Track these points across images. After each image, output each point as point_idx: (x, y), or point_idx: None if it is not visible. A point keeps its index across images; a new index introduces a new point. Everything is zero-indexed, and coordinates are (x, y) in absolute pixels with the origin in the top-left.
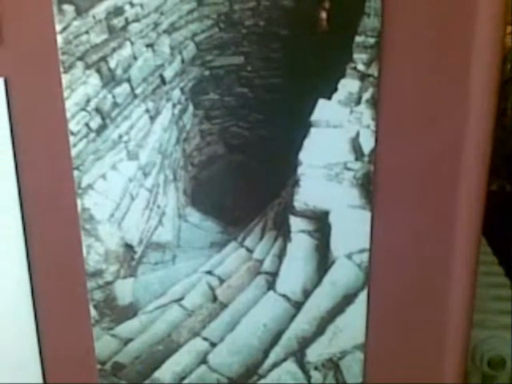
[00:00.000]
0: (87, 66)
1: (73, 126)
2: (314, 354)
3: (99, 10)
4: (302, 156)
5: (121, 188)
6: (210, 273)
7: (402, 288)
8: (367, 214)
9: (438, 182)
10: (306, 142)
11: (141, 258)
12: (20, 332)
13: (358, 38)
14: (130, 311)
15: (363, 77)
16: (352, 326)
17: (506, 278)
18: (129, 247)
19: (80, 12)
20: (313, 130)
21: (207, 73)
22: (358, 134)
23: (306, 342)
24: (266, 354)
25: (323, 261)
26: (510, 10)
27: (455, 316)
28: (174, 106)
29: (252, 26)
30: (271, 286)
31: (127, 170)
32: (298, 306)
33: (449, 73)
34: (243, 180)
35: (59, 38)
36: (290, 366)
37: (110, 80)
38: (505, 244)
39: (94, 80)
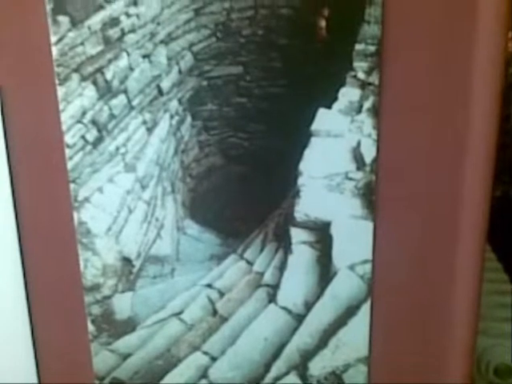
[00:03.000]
0: (83, 78)
1: (69, 138)
2: (317, 367)
3: (95, 21)
4: (303, 166)
5: (118, 201)
6: (209, 286)
7: (406, 299)
8: (369, 225)
9: (440, 191)
10: (307, 152)
11: (139, 271)
12: (17, 347)
13: (358, 46)
14: (129, 326)
15: (364, 85)
16: (355, 338)
17: (510, 285)
18: (127, 261)
19: (75, 23)
20: (313, 140)
21: (205, 83)
22: (359, 144)
23: (308, 356)
24: (267, 367)
25: (325, 272)
26: None
27: (460, 327)
28: (171, 117)
29: (250, 36)
30: (272, 298)
31: (124, 183)
32: (299, 318)
33: (450, 80)
34: (242, 191)
35: (54, 50)
36: (293, 379)
37: (106, 92)
38: (509, 250)
39: (90, 92)
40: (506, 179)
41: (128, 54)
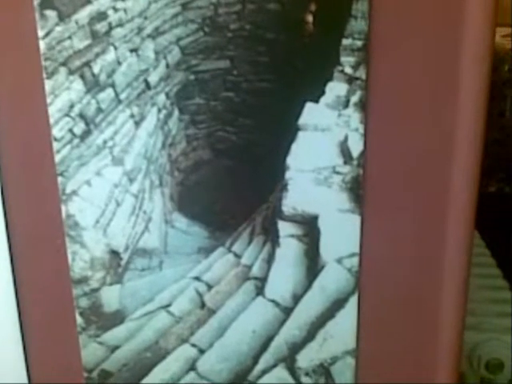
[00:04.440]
0: (70, 72)
1: (56, 131)
2: (305, 359)
3: (82, 15)
4: (290, 160)
5: (106, 194)
6: (197, 279)
7: (393, 292)
8: (357, 218)
9: (428, 185)
10: (294, 146)
11: (127, 264)
12: (4, 340)
13: (345, 41)
14: (117, 318)
15: (351, 80)
16: (343, 331)
17: (504, 280)
18: (115, 254)
19: (62, 17)
20: (300, 134)
21: (192, 77)
22: (346, 138)
23: (296, 348)
24: (255, 360)
25: (313, 266)
26: (501, 12)
27: (448, 320)
28: (159, 110)
29: (237, 30)
30: (260, 291)
31: (112, 176)
32: (287, 311)
33: (438, 75)
34: (230, 185)
35: (42, 44)
36: (281, 372)
37: (93, 85)
38: (503, 246)
39: (78, 85)
40: (502, 175)
41: (115, 48)
